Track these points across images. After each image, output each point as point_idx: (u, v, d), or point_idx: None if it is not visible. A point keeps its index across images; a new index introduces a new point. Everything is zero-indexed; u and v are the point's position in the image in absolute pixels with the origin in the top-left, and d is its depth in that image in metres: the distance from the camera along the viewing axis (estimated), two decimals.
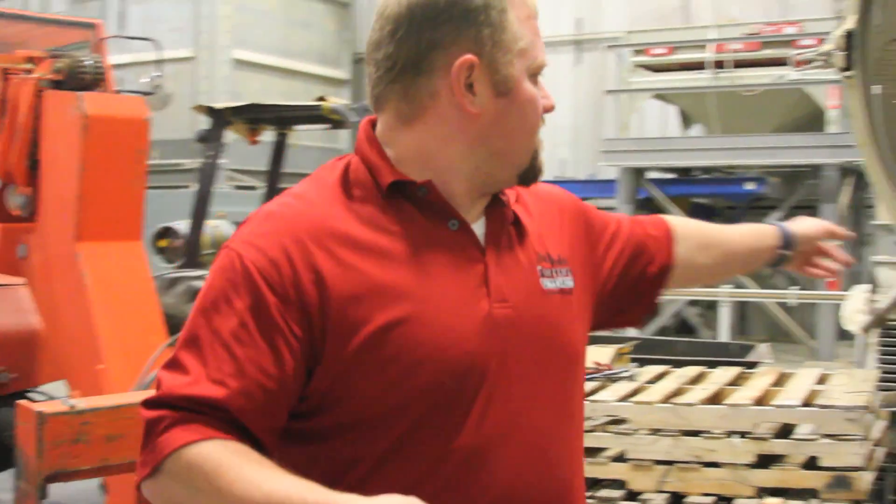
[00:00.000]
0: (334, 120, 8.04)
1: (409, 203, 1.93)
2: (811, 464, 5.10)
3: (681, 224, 2.45)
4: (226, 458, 1.73)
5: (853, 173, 15.80)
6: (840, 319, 10.84)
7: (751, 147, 14.89)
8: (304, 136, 12.74)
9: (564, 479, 2.01)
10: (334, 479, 1.78)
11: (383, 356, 1.83)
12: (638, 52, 16.05)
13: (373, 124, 2.00)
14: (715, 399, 5.47)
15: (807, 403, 5.32)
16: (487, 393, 1.88)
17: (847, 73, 4.00)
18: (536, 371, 1.95)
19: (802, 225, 2.59)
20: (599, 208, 2.31)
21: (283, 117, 8.40)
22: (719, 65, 15.24)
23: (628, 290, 2.28)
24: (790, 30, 15.17)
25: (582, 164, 20.45)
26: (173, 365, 1.83)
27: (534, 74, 1.95)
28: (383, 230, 1.89)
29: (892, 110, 4.11)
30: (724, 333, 13.86)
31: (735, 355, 9.09)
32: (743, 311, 17.87)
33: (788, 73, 15.25)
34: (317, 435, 1.89)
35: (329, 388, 1.85)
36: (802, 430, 5.18)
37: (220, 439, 1.76)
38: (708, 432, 5.15)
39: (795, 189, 16.24)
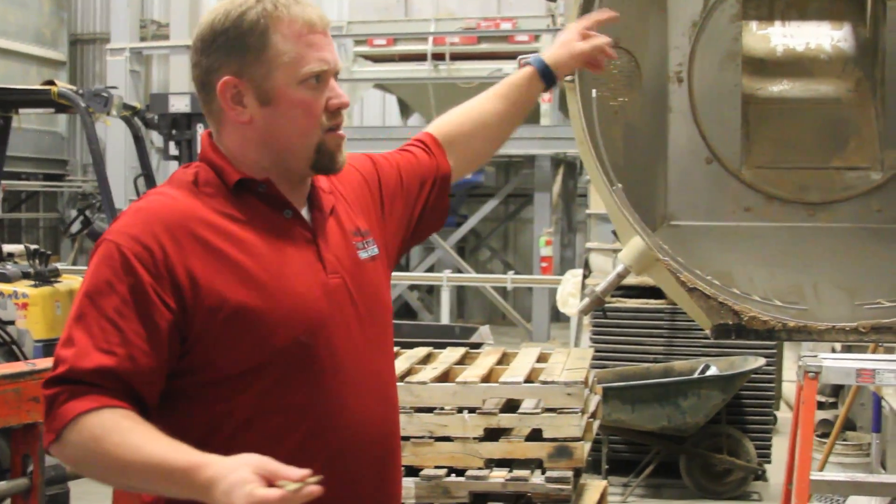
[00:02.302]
0: (62, 104, 7.98)
1: (253, 197, 2.32)
2: (535, 436, 5.48)
3: (445, 127, 2.79)
4: (113, 424, 2.06)
5: (564, 164, 16.65)
6: (555, 302, 11.49)
7: None
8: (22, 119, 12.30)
9: (394, 409, 2.49)
10: (207, 438, 2.16)
11: (246, 322, 2.20)
12: (359, 43, 16.32)
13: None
14: (445, 377, 5.76)
15: (530, 380, 5.70)
16: (334, 347, 2.30)
17: (567, 78, 4.33)
18: (367, 326, 2.38)
19: (561, 54, 2.89)
20: None
21: (9, 101, 8.22)
22: (438, 57, 15.69)
23: (419, 218, 2.68)
24: (506, 25, 15.82)
25: None
26: (66, 343, 2.14)
27: (305, 80, 2.26)
28: (235, 220, 2.27)
29: (607, 111, 4.49)
30: (444, 316, 14.34)
31: (459, 337, 9.48)
32: (462, 295, 18.50)
33: (504, 67, 15.90)
34: (192, 393, 2.23)
35: (202, 350, 2.20)
36: (527, 405, 5.54)
37: (111, 407, 2.09)
38: (440, 408, 5.45)
39: (511, 178, 16.95)
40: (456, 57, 15.62)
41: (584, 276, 8.90)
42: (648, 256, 4.26)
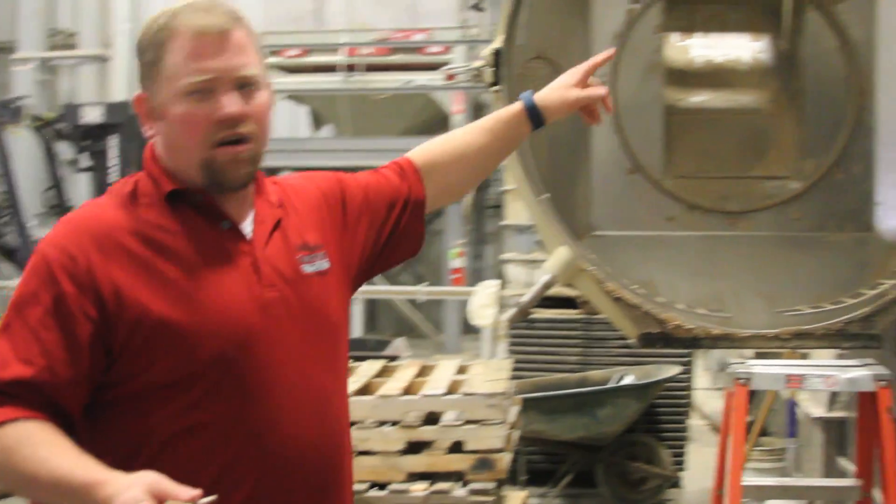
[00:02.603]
0: None
1: (189, 208, 2.24)
2: (457, 448, 5.45)
3: (427, 154, 2.67)
4: (26, 437, 2.01)
5: None
6: (467, 314, 11.49)
7: (380, 149, 15.33)
8: None
9: (341, 428, 2.37)
10: (133, 453, 2.11)
11: (170, 334, 2.13)
12: (273, 54, 16.19)
13: None
14: (365, 391, 5.71)
15: (450, 392, 5.68)
16: (267, 363, 2.21)
17: (496, 88, 4.34)
18: (306, 341, 2.28)
19: (552, 99, 2.65)
20: None
21: None
22: (351, 68, 15.62)
23: (388, 241, 2.58)
24: (419, 37, 15.81)
25: None
26: None
27: (187, 93, 2.17)
28: (168, 231, 2.21)
29: None
30: (357, 329, 14.25)
31: (372, 350, 9.43)
32: (372, 308, 18.43)
33: (416, 79, 15.90)
34: (118, 406, 2.16)
35: (126, 362, 2.13)
36: (448, 417, 5.51)
37: (26, 419, 2.03)
38: (361, 422, 5.39)
39: None
40: (369, 68, 15.56)
41: (501, 287, 8.91)
42: (575, 266, 4.29)
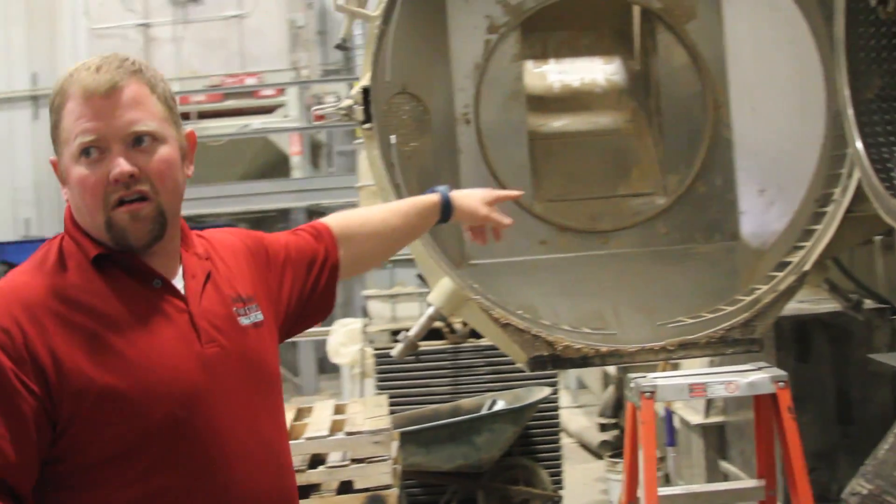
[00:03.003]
0: None
1: (118, 269, 2.17)
2: (346, 488, 5.42)
3: (344, 222, 2.71)
4: None
5: (318, 215, 16.63)
6: (323, 354, 11.43)
7: (219, 196, 15.17)
8: None
9: (290, 479, 2.35)
10: None
11: (116, 402, 2.05)
12: None
13: None
14: None
15: (333, 433, 5.64)
16: (216, 420, 2.16)
17: (366, 126, 4.36)
18: (250, 394, 2.25)
19: (467, 206, 2.85)
20: None
21: None
22: (184, 116, 15.41)
23: (308, 299, 2.56)
24: (251, 81, 15.72)
25: (48, 222, 19.77)
26: None
27: (82, 155, 2.12)
28: (100, 295, 2.13)
29: (402, 157, 4.54)
30: None
31: None
32: None
33: (252, 123, 15.80)
34: (67, 481, 2.07)
35: (73, 435, 2.05)
36: (333, 458, 5.48)
37: None
38: None
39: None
40: (202, 115, 15.38)
41: (365, 324, 8.89)
42: (459, 296, 4.32)
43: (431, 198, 2.84)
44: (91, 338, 2.07)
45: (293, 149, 15.80)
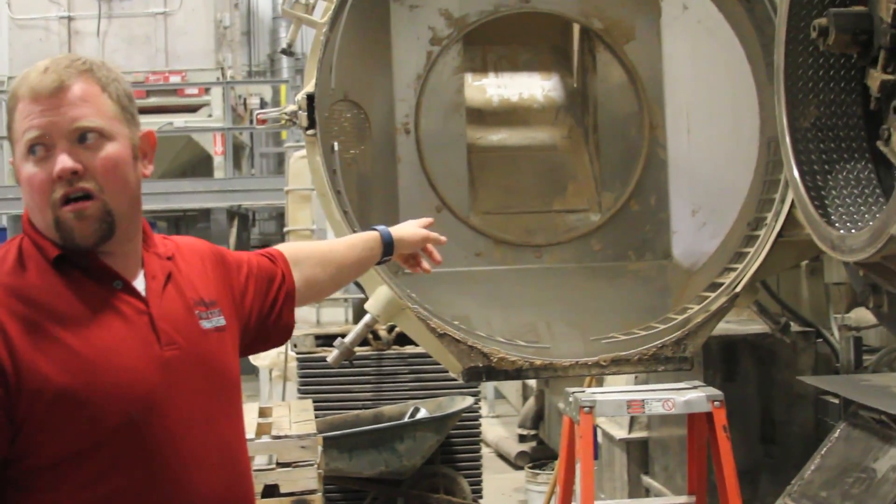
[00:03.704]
0: None
1: (78, 270, 2.16)
2: (271, 492, 5.40)
3: (295, 248, 2.75)
4: None
5: (238, 216, 16.55)
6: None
7: (143, 192, 15.02)
8: None
9: (247, 484, 2.35)
10: None
11: (72, 403, 2.05)
12: None
13: None
14: None
15: (258, 436, 5.62)
16: (173, 422, 2.16)
17: (310, 132, 4.36)
18: (209, 398, 2.25)
19: (404, 233, 2.95)
20: None
21: None
22: None
23: (267, 317, 2.56)
24: (175, 79, 15.59)
25: None
26: None
27: (29, 153, 2.12)
28: (59, 296, 2.12)
29: (343, 163, 4.54)
30: None
31: None
32: None
33: (175, 121, 15.66)
34: (23, 482, 2.07)
35: (29, 434, 2.04)
36: (260, 461, 5.45)
37: None
38: None
39: (186, 232, 16.66)
40: None
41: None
42: (396, 305, 4.34)
43: (372, 232, 2.93)
44: (49, 338, 2.06)
45: (216, 149, 15.69)
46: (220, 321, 2.33)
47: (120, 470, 2.09)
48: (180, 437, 2.16)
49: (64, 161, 2.09)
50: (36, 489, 2.06)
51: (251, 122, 16.60)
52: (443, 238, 3.03)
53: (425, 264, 3.05)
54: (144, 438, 2.11)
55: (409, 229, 2.98)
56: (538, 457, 9.09)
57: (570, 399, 4.09)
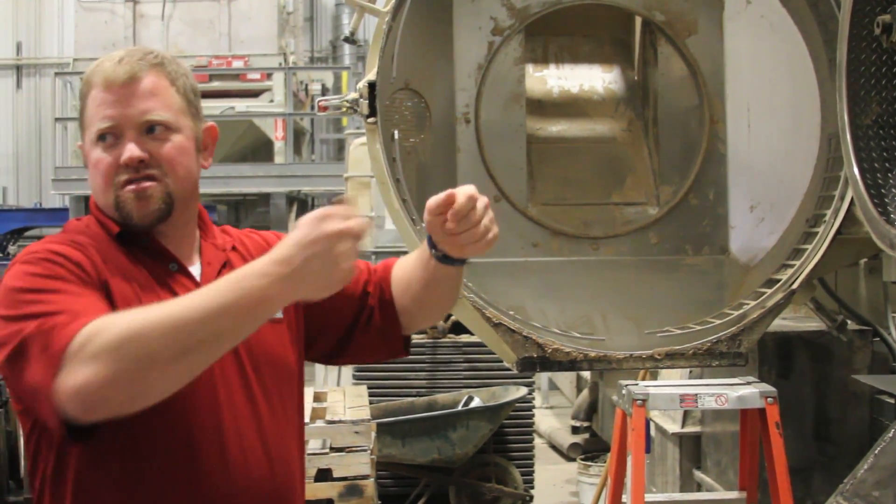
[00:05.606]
0: None
1: (138, 250, 2.29)
2: (324, 476, 5.47)
3: (395, 266, 2.58)
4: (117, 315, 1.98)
5: (298, 201, 16.67)
6: None
7: (203, 176, 15.16)
8: None
9: (286, 472, 2.33)
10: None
11: None
12: None
13: None
14: None
15: (314, 420, 5.69)
16: (210, 404, 2.22)
17: (370, 120, 4.41)
18: (256, 385, 2.31)
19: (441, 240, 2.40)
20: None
21: None
22: None
23: (359, 325, 2.52)
24: (238, 63, 15.73)
25: (25, 192, 19.72)
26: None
27: (99, 140, 2.26)
28: (120, 271, 2.23)
29: (402, 152, 4.58)
30: None
31: None
32: None
33: (237, 105, 15.79)
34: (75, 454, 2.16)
35: None
36: (314, 445, 5.53)
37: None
38: None
39: (245, 216, 16.81)
40: None
41: None
42: None
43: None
44: (122, 299, 2.17)
45: (277, 134, 15.82)
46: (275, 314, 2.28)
47: (160, 450, 2.17)
48: (216, 420, 2.22)
49: (132, 150, 2.23)
50: (84, 463, 2.16)
51: (312, 108, 16.72)
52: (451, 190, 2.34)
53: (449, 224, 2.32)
54: (187, 418, 2.18)
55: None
56: (590, 449, 9.10)
57: (624, 391, 4.10)
